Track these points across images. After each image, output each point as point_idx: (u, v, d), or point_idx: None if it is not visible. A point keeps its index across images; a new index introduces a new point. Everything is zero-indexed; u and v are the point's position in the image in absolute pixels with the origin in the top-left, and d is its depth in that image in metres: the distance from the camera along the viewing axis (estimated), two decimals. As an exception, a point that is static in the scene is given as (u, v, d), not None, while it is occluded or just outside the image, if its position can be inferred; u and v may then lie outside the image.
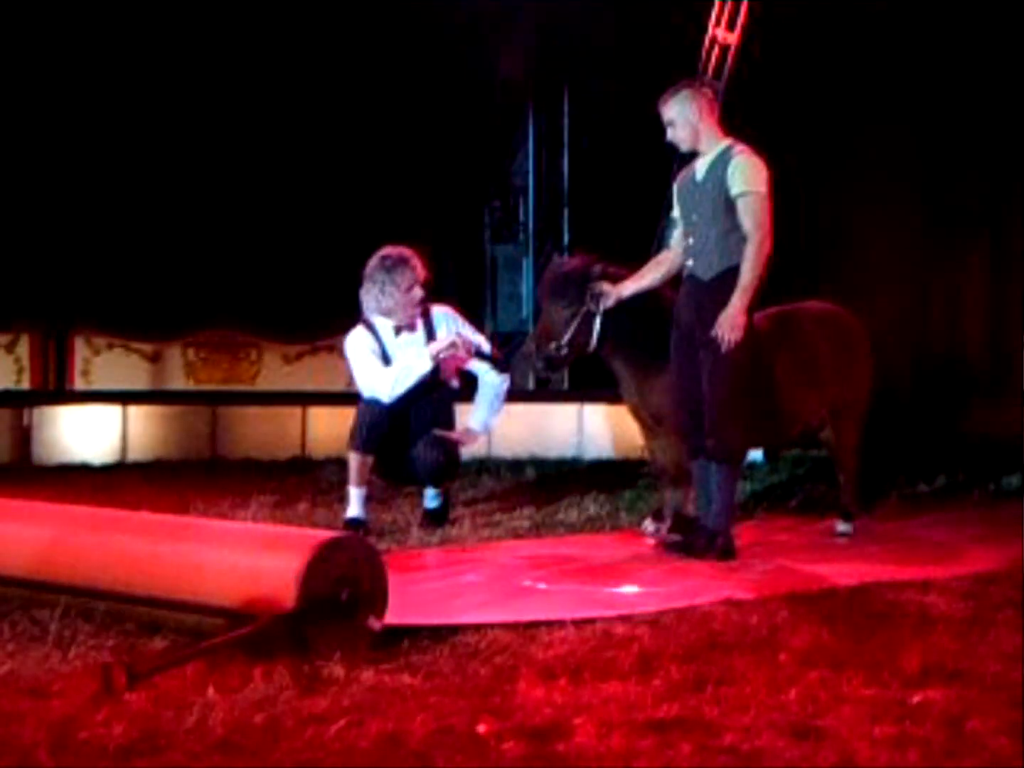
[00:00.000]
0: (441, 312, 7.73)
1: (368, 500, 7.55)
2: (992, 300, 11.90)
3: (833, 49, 11.57)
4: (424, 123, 12.47)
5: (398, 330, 7.61)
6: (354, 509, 7.42)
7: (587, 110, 13.24)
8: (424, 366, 7.44)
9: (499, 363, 7.81)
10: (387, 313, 7.56)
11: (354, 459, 7.44)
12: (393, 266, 7.51)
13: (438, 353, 7.47)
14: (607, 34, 12.46)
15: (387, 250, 7.60)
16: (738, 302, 6.53)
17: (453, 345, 7.48)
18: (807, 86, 11.59)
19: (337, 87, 12.29)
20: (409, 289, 7.50)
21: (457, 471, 7.90)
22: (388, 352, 7.59)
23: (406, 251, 7.59)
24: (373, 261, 7.57)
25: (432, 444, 7.50)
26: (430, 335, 7.63)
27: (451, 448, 7.59)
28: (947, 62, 11.39)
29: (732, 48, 11.85)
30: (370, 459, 7.47)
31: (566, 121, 13.61)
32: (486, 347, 7.79)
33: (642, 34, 12.08)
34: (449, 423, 7.71)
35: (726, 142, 6.75)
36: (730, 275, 6.59)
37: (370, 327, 7.63)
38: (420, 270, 7.55)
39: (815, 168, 11.47)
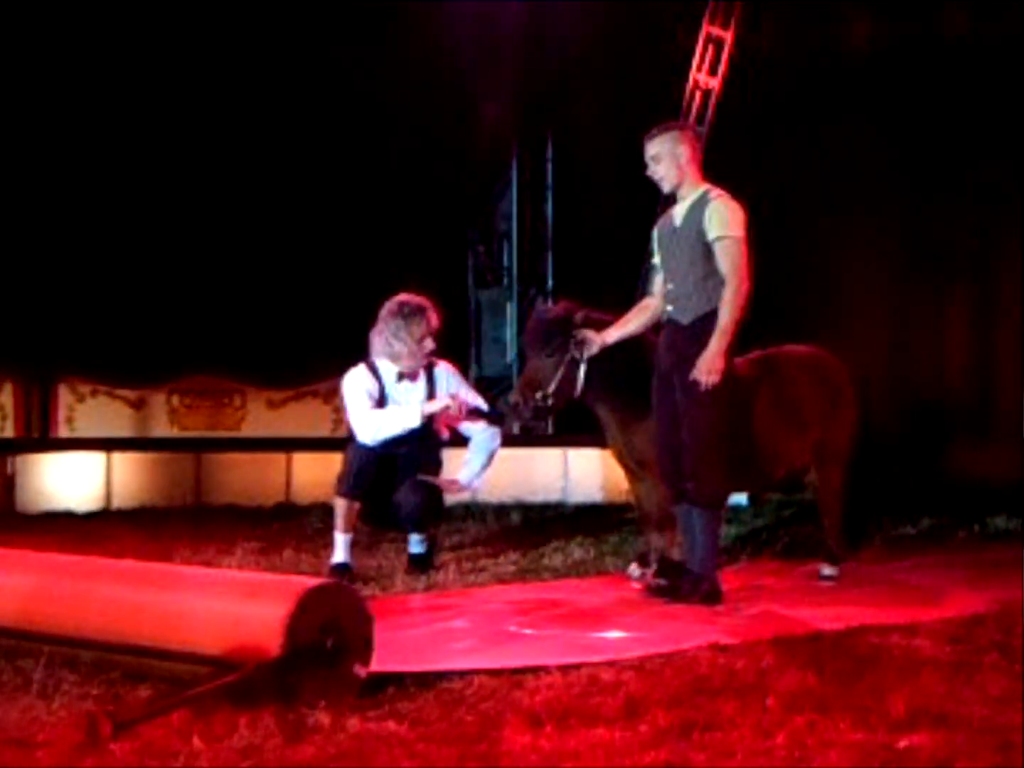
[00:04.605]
0: (443, 369, 7.77)
1: (353, 546, 7.54)
2: (976, 342, 11.93)
3: (815, 93, 11.64)
4: (408, 168, 12.49)
5: (400, 376, 7.61)
6: (340, 555, 7.42)
7: (571, 155, 13.27)
8: (412, 421, 7.45)
9: (492, 419, 7.82)
10: (394, 358, 7.58)
11: (340, 504, 7.44)
12: (411, 313, 7.55)
13: (430, 414, 7.48)
14: (591, 80, 12.52)
15: (405, 297, 7.64)
16: (716, 346, 6.55)
17: (447, 407, 7.50)
18: (789, 130, 11.66)
19: (321, 130, 12.32)
20: (421, 339, 7.55)
21: (439, 516, 7.90)
22: (388, 395, 7.60)
23: (425, 301, 7.63)
24: (391, 305, 7.62)
25: (414, 489, 7.49)
26: (430, 388, 7.65)
27: (433, 493, 7.59)
28: (931, 106, 11.45)
29: (714, 93, 11.92)
30: (357, 505, 7.46)
31: (550, 166, 13.64)
32: (483, 405, 7.80)
33: (625, 79, 12.15)
34: (436, 470, 7.70)
35: (704, 187, 6.78)
36: (709, 319, 6.61)
37: (373, 368, 7.64)
38: (434, 322, 7.59)
39: (798, 211, 11.52)
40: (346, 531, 7.43)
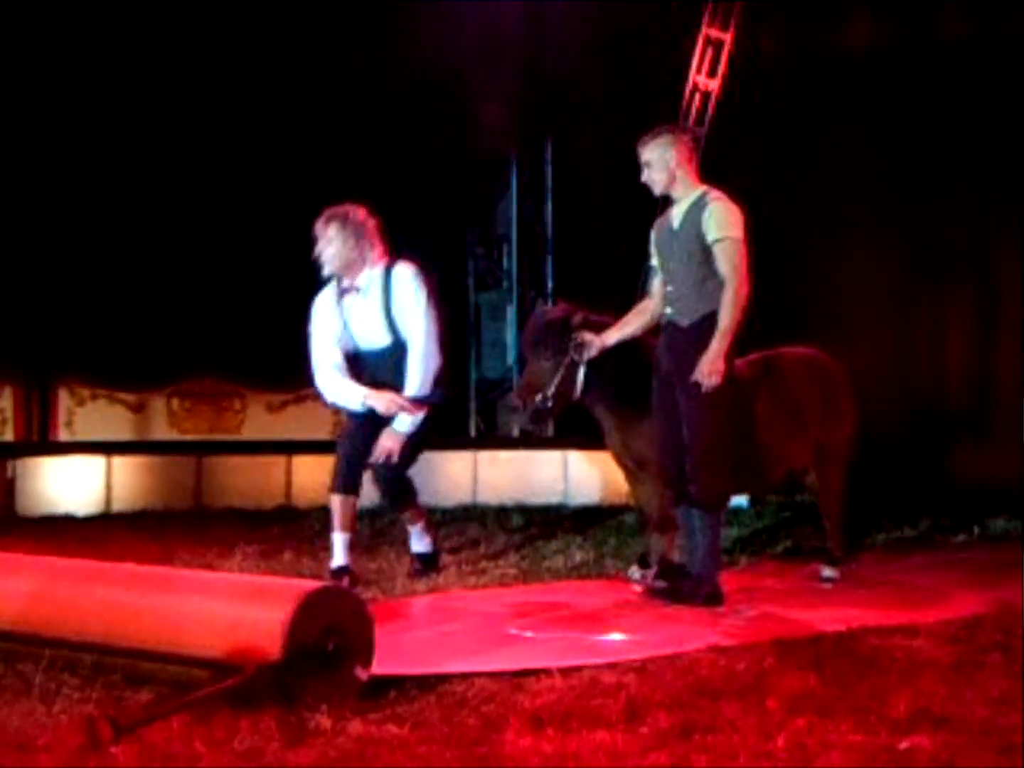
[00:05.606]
0: (402, 275, 7.38)
1: (353, 548, 7.47)
2: (976, 344, 11.93)
3: (816, 95, 11.64)
4: (407, 171, 12.49)
5: (343, 292, 7.41)
6: (338, 557, 7.31)
7: (570, 157, 13.28)
8: (353, 404, 7.34)
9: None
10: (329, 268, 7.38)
11: (335, 502, 7.33)
12: (316, 226, 7.39)
13: (388, 409, 7.33)
14: (590, 82, 12.52)
15: None
16: (717, 347, 6.56)
17: (387, 407, 7.28)
18: (789, 131, 11.66)
19: (321, 135, 12.32)
20: (347, 244, 7.32)
21: (409, 489, 7.60)
22: (344, 314, 7.43)
23: (334, 208, 7.44)
24: None
25: (376, 473, 7.41)
26: (386, 297, 7.34)
27: (391, 470, 7.35)
28: (930, 107, 11.46)
29: (713, 94, 11.93)
30: (352, 500, 7.37)
31: (549, 169, 13.66)
32: (429, 330, 7.33)
33: (624, 81, 12.15)
34: (413, 450, 7.48)
35: (701, 189, 6.78)
36: (709, 321, 6.61)
37: (338, 287, 7.43)
38: (340, 218, 7.36)
39: (798, 213, 11.52)
40: (344, 530, 7.32)
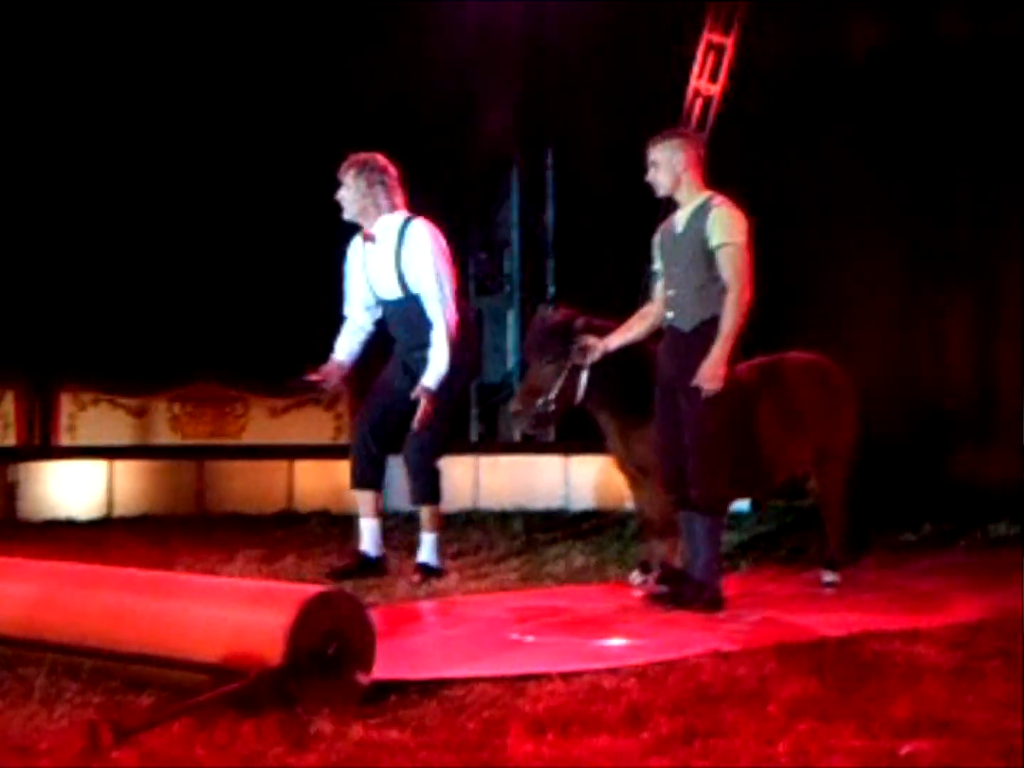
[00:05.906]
0: (417, 230, 7.49)
1: (380, 534, 7.50)
2: (977, 347, 11.93)
3: (816, 99, 11.65)
4: (408, 174, 12.49)
5: (364, 238, 7.54)
6: (364, 543, 7.41)
7: (571, 162, 13.28)
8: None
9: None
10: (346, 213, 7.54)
11: (356, 496, 7.46)
12: (347, 167, 7.53)
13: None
14: (591, 87, 12.52)
15: None
16: (719, 352, 6.56)
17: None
18: (790, 136, 11.66)
19: (321, 139, 12.31)
20: (343, 187, 7.48)
21: (437, 485, 7.59)
22: (365, 261, 7.56)
23: (361, 154, 7.58)
24: None
25: (407, 461, 7.46)
26: (399, 248, 7.44)
27: (419, 461, 7.44)
28: (930, 111, 11.46)
29: (714, 99, 11.93)
30: (369, 494, 7.42)
31: (550, 173, 13.66)
32: (446, 289, 7.47)
33: (625, 86, 12.15)
34: (433, 439, 7.50)
35: (706, 194, 6.79)
36: (711, 326, 6.61)
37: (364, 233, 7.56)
38: (359, 163, 7.51)
39: (799, 217, 11.52)
40: (369, 517, 7.42)
